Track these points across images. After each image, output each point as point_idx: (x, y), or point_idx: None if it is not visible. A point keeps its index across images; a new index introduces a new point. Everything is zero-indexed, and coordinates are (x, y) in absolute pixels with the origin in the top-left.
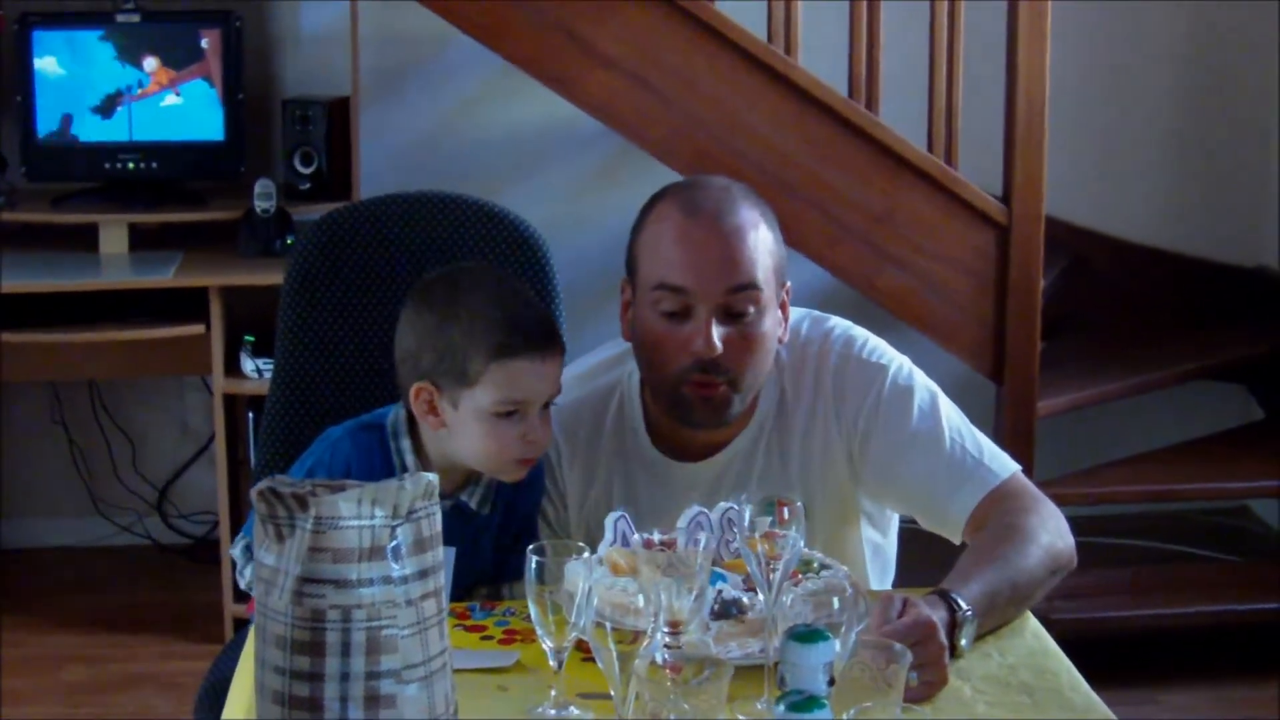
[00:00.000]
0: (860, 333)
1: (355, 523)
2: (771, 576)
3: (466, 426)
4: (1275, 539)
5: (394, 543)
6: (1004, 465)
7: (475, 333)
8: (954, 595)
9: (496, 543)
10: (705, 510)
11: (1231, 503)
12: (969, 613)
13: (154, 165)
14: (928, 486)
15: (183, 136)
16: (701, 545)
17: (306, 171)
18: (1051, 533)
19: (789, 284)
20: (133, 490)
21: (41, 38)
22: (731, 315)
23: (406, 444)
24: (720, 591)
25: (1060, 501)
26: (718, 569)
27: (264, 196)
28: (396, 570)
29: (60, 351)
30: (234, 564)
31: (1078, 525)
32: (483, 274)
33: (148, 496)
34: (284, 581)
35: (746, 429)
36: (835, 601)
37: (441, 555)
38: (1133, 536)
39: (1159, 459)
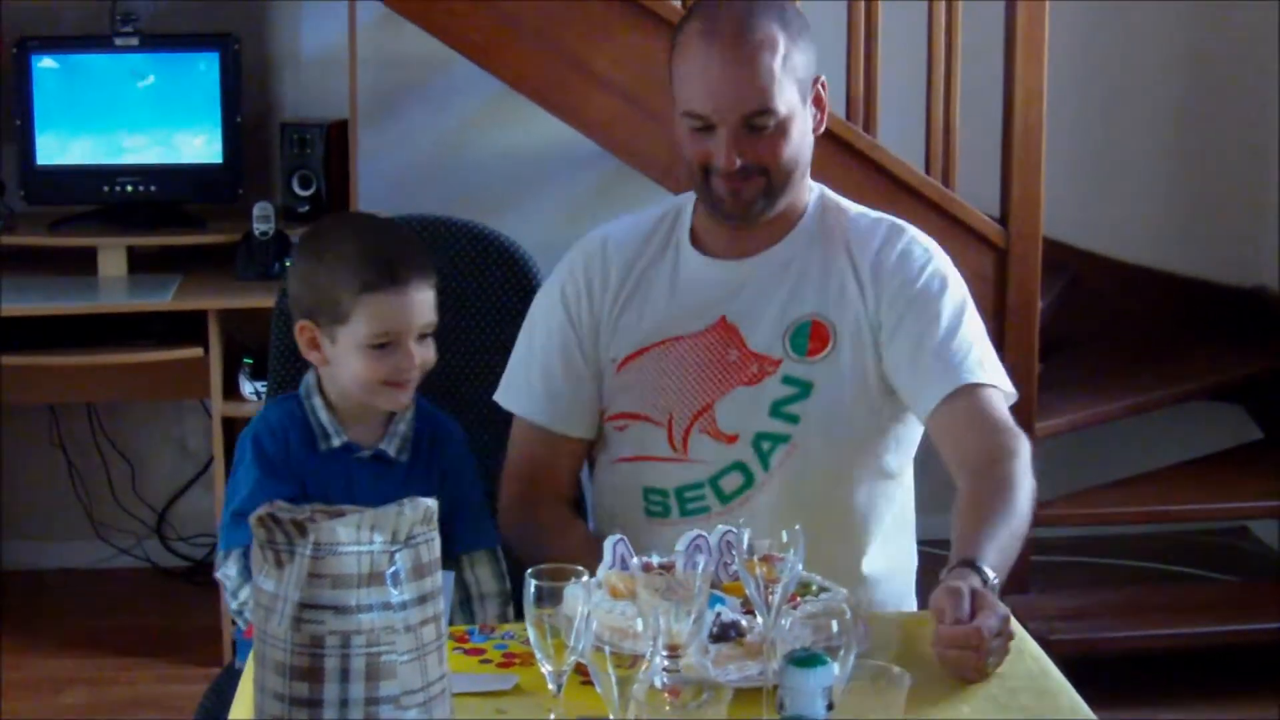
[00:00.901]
0: (911, 227)
1: (354, 548)
2: (770, 599)
3: (346, 359)
4: (1274, 559)
5: (393, 568)
6: (996, 376)
7: (342, 271)
8: (980, 565)
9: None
10: (704, 533)
11: (1230, 523)
12: (995, 580)
13: (152, 188)
14: (922, 359)
15: (181, 159)
16: (700, 568)
17: (305, 194)
18: (1029, 475)
19: (822, 77)
20: (131, 513)
21: (40, 61)
22: (754, 128)
23: (318, 401)
24: (719, 614)
25: (1060, 522)
26: (716, 592)
27: (262, 219)
28: (396, 596)
29: (59, 374)
30: (224, 583)
31: (1077, 546)
32: (353, 217)
33: (146, 519)
34: (283, 607)
35: (784, 242)
36: (834, 624)
37: (440, 580)
38: (1132, 557)
39: (1158, 479)
